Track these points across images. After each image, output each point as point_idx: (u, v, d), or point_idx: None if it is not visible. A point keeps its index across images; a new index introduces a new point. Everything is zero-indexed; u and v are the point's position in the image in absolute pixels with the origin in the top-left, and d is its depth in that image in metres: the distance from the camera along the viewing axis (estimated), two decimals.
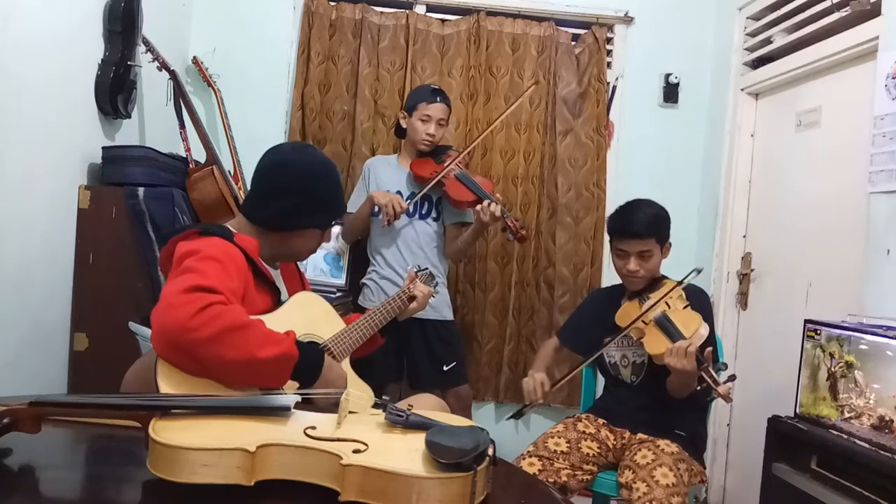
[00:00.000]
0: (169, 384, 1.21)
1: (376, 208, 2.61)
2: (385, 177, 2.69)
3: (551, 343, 2.41)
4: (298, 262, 1.83)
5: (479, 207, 2.49)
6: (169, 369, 1.23)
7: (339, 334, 1.68)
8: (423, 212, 2.66)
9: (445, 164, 2.60)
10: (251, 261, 1.50)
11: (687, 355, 1.85)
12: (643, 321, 2.04)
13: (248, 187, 1.73)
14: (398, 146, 3.12)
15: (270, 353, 1.27)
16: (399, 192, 2.65)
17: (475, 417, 3.12)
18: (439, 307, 2.64)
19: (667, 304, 2.05)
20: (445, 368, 2.62)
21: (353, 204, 2.74)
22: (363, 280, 2.74)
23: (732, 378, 1.87)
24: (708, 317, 2.06)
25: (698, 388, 1.88)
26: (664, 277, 2.19)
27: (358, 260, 2.94)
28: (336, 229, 2.87)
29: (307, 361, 1.37)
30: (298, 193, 1.57)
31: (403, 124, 2.69)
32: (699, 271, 2.04)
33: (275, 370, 1.30)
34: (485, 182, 2.67)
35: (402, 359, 2.67)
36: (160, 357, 1.23)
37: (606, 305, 2.22)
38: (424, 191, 2.57)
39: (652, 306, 2.05)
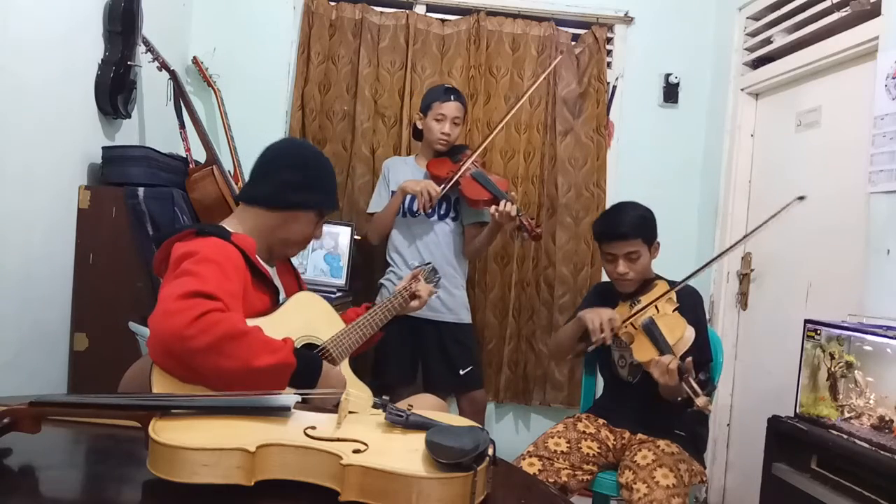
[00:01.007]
0: (163, 389, 1.21)
1: (407, 200, 2.61)
2: (402, 177, 2.68)
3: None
4: (296, 264, 1.83)
5: (493, 208, 2.48)
6: (164, 375, 1.23)
7: (339, 335, 1.68)
8: (442, 212, 2.66)
9: (461, 164, 2.59)
10: (249, 260, 1.49)
11: (668, 372, 1.83)
12: (633, 325, 2.04)
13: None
14: (398, 146, 3.13)
15: (267, 363, 1.27)
16: None
17: None
18: (456, 309, 2.64)
19: (656, 307, 2.05)
20: (462, 372, 2.61)
21: (376, 204, 2.74)
22: (381, 280, 2.74)
23: (713, 388, 1.85)
24: (700, 316, 2.06)
25: (679, 399, 1.88)
26: (658, 278, 2.18)
27: (358, 261, 2.95)
28: (326, 228, 2.86)
29: (304, 369, 1.36)
30: (301, 168, 1.61)
31: (419, 125, 2.69)
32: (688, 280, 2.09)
33: (271, 379, 1.29)
34: (500, 181, 2.66)
35: (417, 361, 2.66)
36: (157, 363, 1.23)
37: (606, 302, 2.22)
38: (443, 192, 2.56)
39: (641, 311, 2.04)
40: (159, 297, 1.29)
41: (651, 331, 1.96)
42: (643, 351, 1.96)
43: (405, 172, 2.70)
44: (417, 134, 2.75)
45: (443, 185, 2.56)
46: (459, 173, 2.55)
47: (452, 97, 2.62)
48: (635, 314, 2.05)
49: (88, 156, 2.33)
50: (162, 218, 2.25)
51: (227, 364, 1.23)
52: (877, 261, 2.11)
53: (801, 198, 1.99)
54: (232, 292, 1.35)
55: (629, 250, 2.10)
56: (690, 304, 2.08)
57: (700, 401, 1.78)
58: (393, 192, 2.66)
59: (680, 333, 1.94)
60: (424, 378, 2.68)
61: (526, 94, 2.78)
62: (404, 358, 2.56)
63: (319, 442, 0.94)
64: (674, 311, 2.04)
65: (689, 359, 1.84)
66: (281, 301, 1.61)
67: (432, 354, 2.61)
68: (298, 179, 1.60)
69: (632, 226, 2.10)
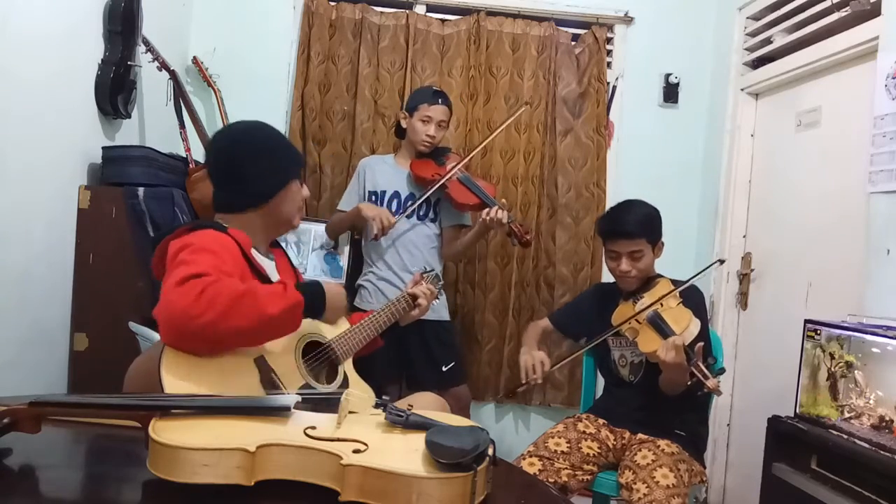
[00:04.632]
0: (173, 377, 1.22)
1: (386, 198, 2.63)
2: (382, 176, 2.68)
3: (540, 325, 2.39)
4: (293, 260, 1.83)
5: (484, 213, 2.48)
6: (173, 362, 1.23)
7: (343, 335, 1.68)
8: (422, 213, 2.65)
9: (447, 167, 2.59)
10: (245, 256, 1.50)
11: (675, 349, 1.86)
12: (637, 321, 2.05)
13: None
14: (398, 146, 3.12)
15: (280, 308, 1.33)
16: (397, 193, 2.64)
17: (475, 417, 3.12)
18: (437, 308, 2.64)
19: (660, 302, 2.06)
20: (444, 369, 2.62)
21: (346, 203, 2.74)
22: (359, 282, 2.73)
23: (722, 371, 1.88)
24: (701, 313, 2.07)
25: (689, 382, 1.89)
26: (659, 276, 2.19)
27: (359, 260, 2.94)
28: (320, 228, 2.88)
29: (312, 300, 1.43)
30: (263, 153, 1.60)
31: (403, 124, 2.68)
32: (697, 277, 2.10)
33: (289, 320, 1.37)
34: (488, 186, 2.67)
35: (401, 360, 2.66)
36: (173, 347, 1.25)
37: (607, 302, 2.22)
38: (427, 195, 2.56)
39: (644, 308, 2.05)
40: (161, 290, 1.32)
41: (657, 322, 1.98)
42: (648, 342, 1.97)
43: (384, 172, 2.69)
44: (400, 132, 2.74)
45: (407, 198, 2.61)
46: (447, 177, 2.56)
47: (440, 100, 2.61)
48: (640, 311, 2.05)
49: (88, 156, 2.33)
50: (162, 218, 2.25)
51: (244, 323, 1.27)
52: (877, 261, 2.11)
53: (722, 261, 2.25)
54: (227, 273, 1.36)
55: (633, 249, 2.10)
56: (693, 302, 2.09)
57: (711, 382, 1.81)
58: (371, 192, 2.66)
59: (685, 324, 1.96)
60: (408, 376, 2.68)
61: (504, 125, 2.82)
62: (388, 357, 2.56)
63: (319, 442, 0.94)
64: (677, 305, 2.05)
65: (700, 344, 1.87)
66: None
67: (415, 352, 2.61)
68: (273, 161, 1.60)
69: (636, 224, 2.10)
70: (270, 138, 1.65)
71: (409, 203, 2.61)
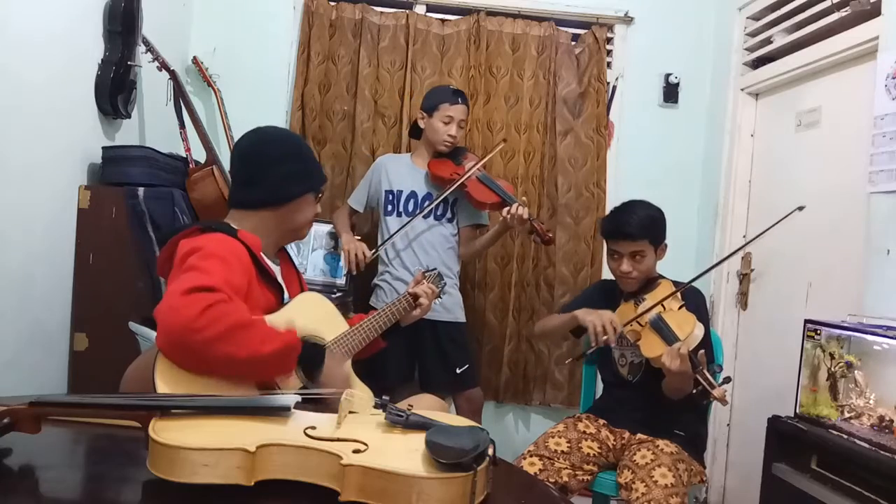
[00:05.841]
0: (166, 382, 1.21)
1: (403, 197, 2.63)
2: (398, 176, 2.67)
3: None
4: (297, 263, 1.83)
5: (506, 211, 2.48)
6: (167, 368, 1.23)
7: (342, 336, 1.68)
8: (438, 213, 2.65)
9: (466, 166, 2.59)
10: (254, 258, 1.50)
11: (680, 357, 1.85)
12: (639, 323, 2.04)
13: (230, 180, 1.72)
14: (398, 146, 3.12)
15: (274, 347, 1.30)
16: (414, 192, 2.64)
17: None
18: (452, 309, 2.63)
19: (662, 304, 2.05)
20: (459, 371, 2.61)
21: (355, 199, 2.75)
22: (375, 281, 2.72)
23: (727, 380, 1.87)
24: (703, 317, 2.06)
25: (694, 391, 1.88)
26: (660, 277, 2.18)
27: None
28: (326, 227, 2.88)
29: (310, 351, 1.41)
30: (290, 159, 1.62)
31: (422, 124, 2.66)
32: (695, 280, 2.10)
33: (280, 362, 1.34)
34: (507, 185, 2.67)
35: (414, 361, 2.66)
36: (164, 352, 1.24)
37: (608, 300, 2.22)
38: (446, 194, 2.56)
39: (647, 310, 2.04)
40: (166, 292, 1.30)
41: (660, 327, 1.96)
42: (652, 347, 1.95)
43: (401, 171, 2.68)
44: (416, 132, 2.73)
45: (425, 198, 2.60)
46: (466, 175, 2.55)
47: (460, 100, 2.61)
48: (642, 313, 2.05)
49: (88, 156, 2.33)
50: (162, 218, 2.25)
51: (237, 352, 1.25)
52: (877, 261, 2.11)
53: (801, 208, 2.04)
54: (236, 287, 1.36)
55: (634, 250, 2.10)
56: (694, 304, 2.08)
57: (717, 391, 1.79)
58: (388, 192, 2.66)
59: (689, 329, 1.95)
60: (421, 377, 2.67)
61: (493, 151, 2.82)
62: (401, 357, 2.56)
63: (319, 442, 0.94)
64: (679, 308, 2.04)
65: (702, 352, 1.85)
66: (285, 300, 1.62)
67: (429, 353, 2.60)
68: (292, 170, 1.61)
69: (639, 226, 2.09)
70: (301, 148, 1.69)
71: (427, 202, 2.60)
